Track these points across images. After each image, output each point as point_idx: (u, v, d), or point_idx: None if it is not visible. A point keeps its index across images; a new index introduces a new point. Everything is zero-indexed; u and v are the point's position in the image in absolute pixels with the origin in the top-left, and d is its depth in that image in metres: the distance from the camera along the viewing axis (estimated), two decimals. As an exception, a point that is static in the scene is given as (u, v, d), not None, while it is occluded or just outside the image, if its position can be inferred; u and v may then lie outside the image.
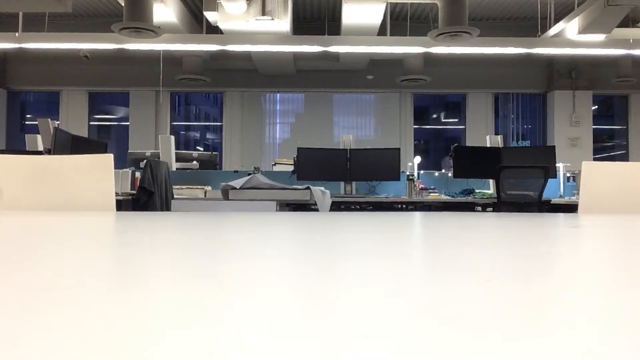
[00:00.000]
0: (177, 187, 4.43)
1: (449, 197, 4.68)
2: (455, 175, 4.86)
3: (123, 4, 5.33)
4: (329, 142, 8.55)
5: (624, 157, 9.03)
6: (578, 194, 2.99)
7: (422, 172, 5.19)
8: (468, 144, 8.38)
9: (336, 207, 4.29)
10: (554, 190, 5.01)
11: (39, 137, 4.63)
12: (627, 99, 9.03)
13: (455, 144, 5.13)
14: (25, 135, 5.05)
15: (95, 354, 0.21)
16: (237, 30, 6.17)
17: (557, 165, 4.87)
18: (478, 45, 5.99)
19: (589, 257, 0.60)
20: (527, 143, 7.88)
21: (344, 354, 0.21)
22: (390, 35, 6.39)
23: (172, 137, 5.10)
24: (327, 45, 6.11)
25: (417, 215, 1.55)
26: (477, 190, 4.87)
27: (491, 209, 4.53)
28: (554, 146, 4.94)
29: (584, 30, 5.90)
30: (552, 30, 6.38)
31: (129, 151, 5.68)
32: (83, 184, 1.53)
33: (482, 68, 8.55)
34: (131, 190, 4.31)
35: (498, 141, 5.27)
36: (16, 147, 8.75)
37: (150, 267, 0.47)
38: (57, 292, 0.34)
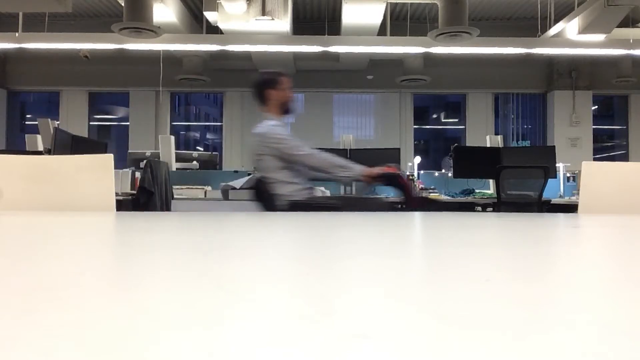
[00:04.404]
0: (177, 187, 4.42)
1: (449, 197, 4.68)
2: (455, 175, 4.86)
3: (123, 4, 5.33)
4: (329, 142, 8.54)
5: (624, 157, 9.02)
6: (578, 194, 2.99)
7: (422, 172, 5.19)
8: (468, 144, 8.38)
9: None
10: (554, 190, 5.01)
11: (39, 137, 4.63)
12: (627, 99, 9.02)
13: (455, 144, 5.13)
14: (25, 135, 5.04)
15: (95, 354, 0.21)
16: (237, 30, 6.17)
17: (557, 165, 4.87)
18: (478, 45, 5.98)
19: (589, 257, 0.59)
20: (527, 143, 7.88)
21: (344, 354, 0.21)
22: (390, 35, 6.38)
23: (172, 137, 5.10)
24: (327, 45, 6.11)
25: (417, 215, 1.55)
26: (477, 190, 4.87)
27: (491, 209, 4.53)
28: (554, 146, 4.94)
29: (584, 30, 5.90)
30: (552, 30, 6.38)
31: (129, 151, 5.68)
32: (83, 184, 1.53)
33: (482, 68, 8.54)
34: (131, 190, 4.31)
35: (498, 141, 5.27)
36: (16, 147, 8.75)
37: (150, 267, 0.47)
38: (57, 292, 0.34)
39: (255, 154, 2.62)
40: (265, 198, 2.55)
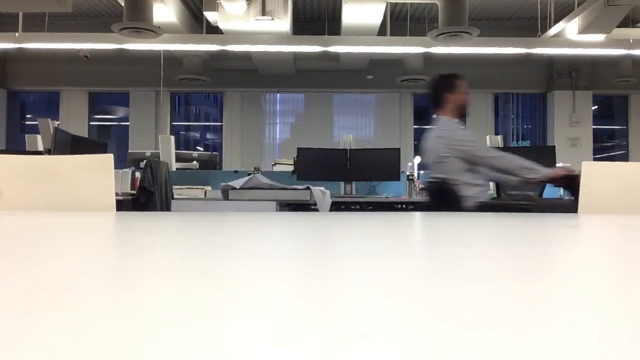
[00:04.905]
0: (177, 187, 4.42)
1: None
2: (455, 175, 4.85)
3: (123, 4, 5.33)
4: (329, 142, 8.54)
5: (624, 157, 9.02)
6: (578, 193, 2.99)
7: (422, 172, 5.19)
8: (468, 144, 8.37)
9: (336, 207, 4.29)
10: (554, 190, 5.01)
11: (39, 137, 4.63)
12: (627, 99, 9.03)
13: (456, 144, 5.12)
14: (25, 135, 5.04)
15: (95, 354, 0.21)
16: (237, 30, 6.17)
17: (557, 165, 4.86)
18: (478, 45, 5.98)
19: (589, 257, 0.59)
20: (527, 143, 7.89)
21: (344, 354, 0.21)
22: (390, 35, 6.38)
23: (172, 137, 5.10)
24: (327, 45, 6.11)
25: (417, 215, 1.55)
26: (477, 190, 4.86)
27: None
28: (554, 146, 4.94)
29: (584, 30, 5.90)
30: (552, 30, 6.38)
31: (129, 151, 5.67)
32: (83, 184, 1.54)
33: (482, 68, 8.54)
34: (131, 190, 4.30)
35: (498, 141, 5.27)
36: (16, 147, 8.75)
37: (150, 267, 0.47)
38: (57, 292, 0.34)
39: (436, 155, 2.61)
40: (450, 200, 2.54)
